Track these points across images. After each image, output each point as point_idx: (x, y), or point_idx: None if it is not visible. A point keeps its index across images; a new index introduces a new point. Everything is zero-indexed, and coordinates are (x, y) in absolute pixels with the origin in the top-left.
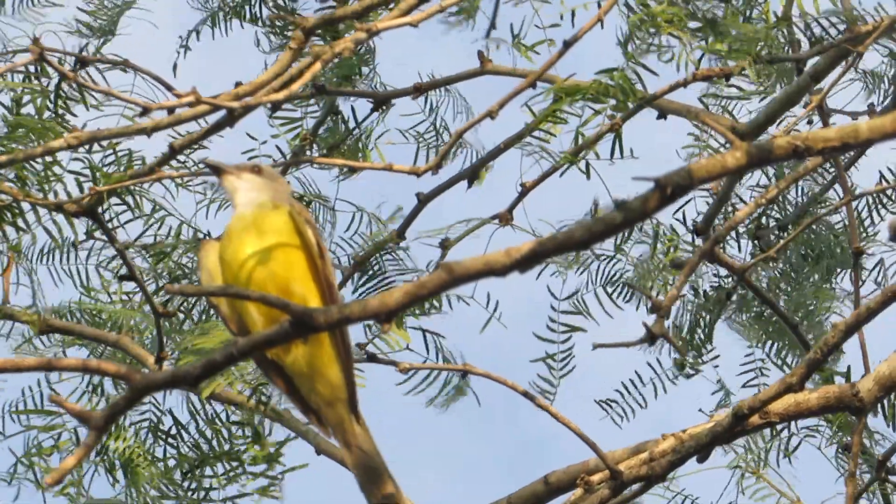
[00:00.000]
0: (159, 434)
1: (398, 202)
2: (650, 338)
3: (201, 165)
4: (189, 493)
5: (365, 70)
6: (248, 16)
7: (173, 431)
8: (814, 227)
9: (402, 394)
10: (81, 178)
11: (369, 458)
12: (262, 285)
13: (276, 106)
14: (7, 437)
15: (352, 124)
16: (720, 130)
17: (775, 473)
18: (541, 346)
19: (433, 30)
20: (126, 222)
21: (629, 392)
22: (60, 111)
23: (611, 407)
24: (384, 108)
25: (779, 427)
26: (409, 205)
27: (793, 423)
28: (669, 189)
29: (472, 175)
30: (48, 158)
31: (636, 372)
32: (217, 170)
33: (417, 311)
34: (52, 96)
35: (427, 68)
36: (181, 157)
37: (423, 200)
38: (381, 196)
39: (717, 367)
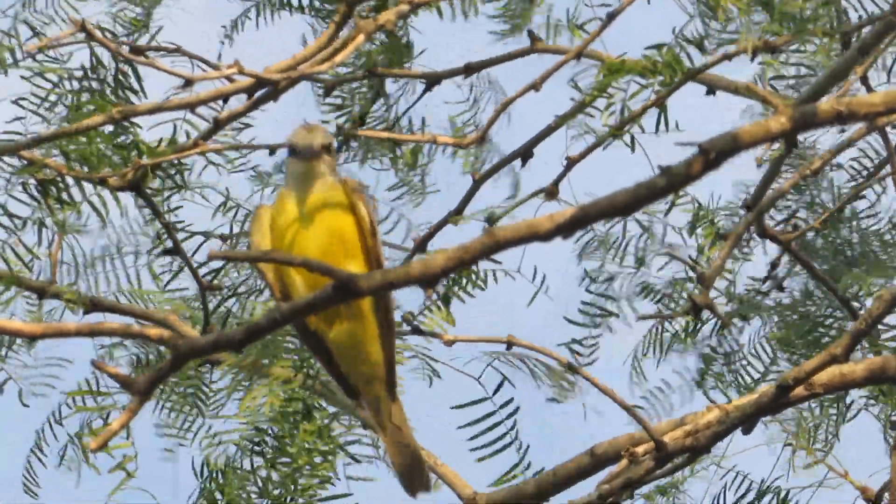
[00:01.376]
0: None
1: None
2: (695, 309)
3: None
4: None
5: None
6: (294, 4)
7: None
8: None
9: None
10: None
11: (403, 439)
12: (311, 256)
13: (328, 89)
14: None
15: (397, 108)
16: (763, 95)
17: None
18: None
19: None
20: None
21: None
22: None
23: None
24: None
25: (825, 401)
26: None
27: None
28: (713, 154)
29: (525, 154)
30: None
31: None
32: (309, 154)
33: (464, 281)
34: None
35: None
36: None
37: (479, 181)
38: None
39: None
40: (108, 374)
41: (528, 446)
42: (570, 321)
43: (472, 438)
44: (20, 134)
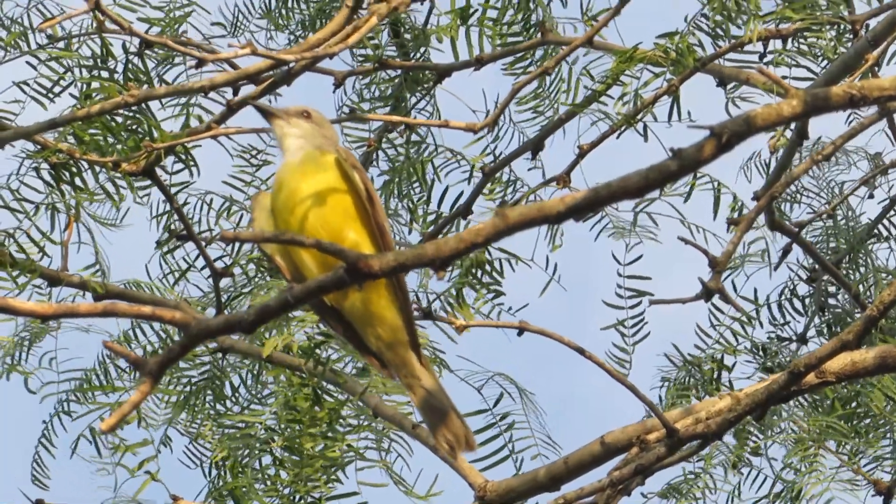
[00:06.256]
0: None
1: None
2: (706, 294)
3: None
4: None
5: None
6: None
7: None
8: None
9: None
10: (138, 137)
11: (434, 398)
12: (314, 232)
13: (339, 81)
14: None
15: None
16: (775, 79)
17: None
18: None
19: None
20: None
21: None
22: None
23: None
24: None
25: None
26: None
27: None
28: (725, 136)
29: (535, 146)
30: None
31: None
32: (266, 114)
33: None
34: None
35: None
36: None
37: (488, 174)
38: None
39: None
40: (120, 355)
41: (522, 459)
42: (608, 304)
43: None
44: (14, 114)
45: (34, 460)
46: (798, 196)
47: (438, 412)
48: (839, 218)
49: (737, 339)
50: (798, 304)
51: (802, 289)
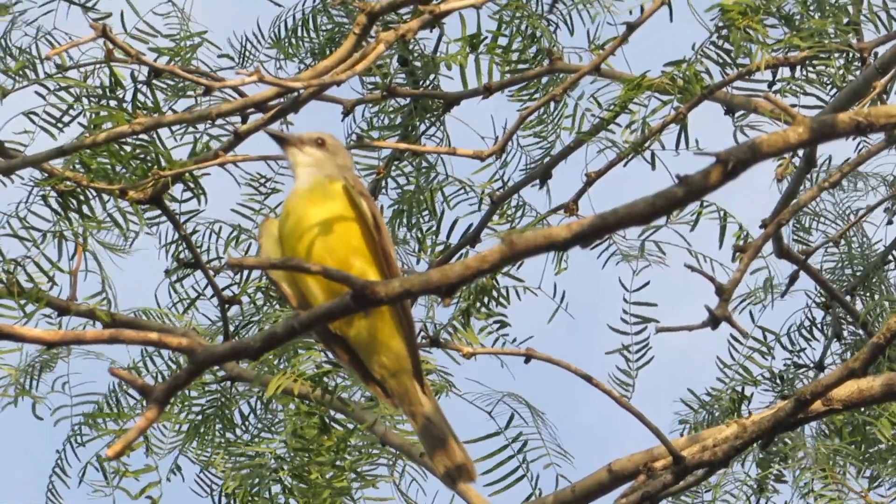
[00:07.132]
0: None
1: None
2: (713, 321)
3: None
4: None
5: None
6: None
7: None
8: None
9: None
10: (146, 165)
11: (435, 427)
12: (320, 259)
13: (347, 110)
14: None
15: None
16: (782, 106)
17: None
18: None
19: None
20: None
21: None
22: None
23: None
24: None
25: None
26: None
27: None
28: (731, 163)
29: (544, 175)
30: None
31: None
32: (280, 140)
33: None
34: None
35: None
36: None
37: (497, 202)
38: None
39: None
40: (126, 382)
41: (539, 476)
42: (613, 329)
43: (484, 473)
44: (24, 145)
45: (48, 490)
46: (815, 223)
47: (439, 441)
48: (854, 245)
49: (753, 373)
50: (815, 330)
51: (818, 314)
